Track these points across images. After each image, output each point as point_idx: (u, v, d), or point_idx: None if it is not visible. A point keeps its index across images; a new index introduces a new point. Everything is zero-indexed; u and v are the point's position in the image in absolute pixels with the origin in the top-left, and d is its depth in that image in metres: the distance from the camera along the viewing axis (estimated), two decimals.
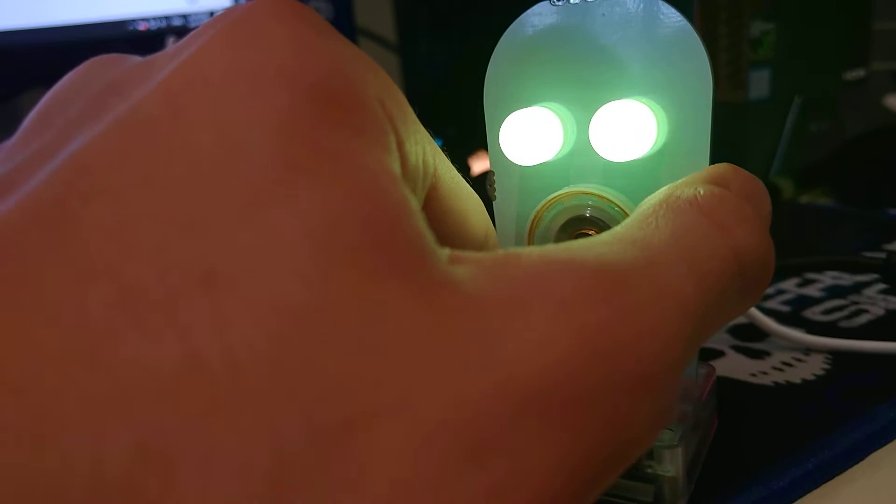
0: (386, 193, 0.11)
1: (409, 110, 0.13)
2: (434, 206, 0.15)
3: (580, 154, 0.18)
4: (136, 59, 0.13)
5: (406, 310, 0.10)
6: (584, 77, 0.18)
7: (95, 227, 0.09)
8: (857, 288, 0.33)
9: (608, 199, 0.18)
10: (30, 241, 0.09)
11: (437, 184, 0.15)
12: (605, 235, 0.13)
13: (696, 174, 0.15)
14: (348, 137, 0.11)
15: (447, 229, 0.16)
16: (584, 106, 0.18)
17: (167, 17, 0.54)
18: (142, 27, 0.54)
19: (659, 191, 0.15)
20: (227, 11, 0.12)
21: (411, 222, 0.11)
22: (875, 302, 0.32)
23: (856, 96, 0.55)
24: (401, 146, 0.13)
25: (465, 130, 0.55)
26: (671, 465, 0.18)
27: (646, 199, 0.14)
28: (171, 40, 0.49)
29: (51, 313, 0.09)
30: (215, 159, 0.10)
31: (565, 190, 0.18)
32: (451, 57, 0.62)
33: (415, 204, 0.11)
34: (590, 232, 0.18)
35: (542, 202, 0.19)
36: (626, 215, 0.17)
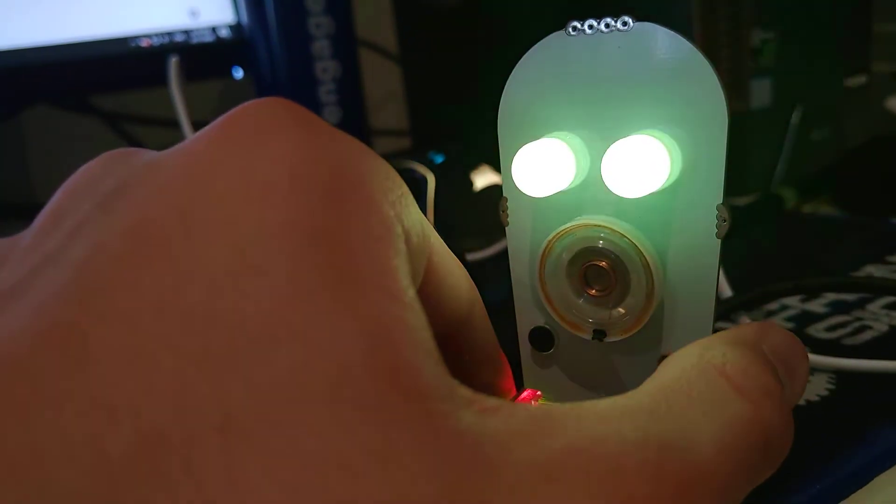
0: (396, 328, 0.10)
1: (407, 194, 0.14)
2: (430, 275, 0.15)
3: (593, 185, 0.18)
4: (147, 155, 0.13)
5: (423, 466, 0.09)
6: (598, 108, 0.18)
7: (112, 357, 0.09)
8: (861, 304, 0.33)
9: (620, 233, 0.18)
10: (45, 366, 0.09)
11: (432, 256, 0.15)
12: (641, 397, 0.13)
13: (730, 332, 0.15)
14: (363, 248, 0.11)
15: (442, 294, 0.16)
16: (598, 137, 0.18)
17: (169, 34, 0.55)
18: (144, 44, 0.54)
19: (688, 348, 0.14)
20: (230, 115, 0.12)
21: (423, 364, 0.10)
22: (879, 318, 0.31)
23: (857, 103, 0.54)
24: (408, 239, 0.13)
25: (466, 143, 0.54)
26: None
27: (674, 359, 0.14)
28: (172, 61, 0.49)
29: (69, 451, 0.09)
30: (232, 283, 0.10)
31: (577, 221, 0.18)
32: (452, 68, 0.62)
33: (427, 336, 0.11)
34: (601, 264, 0.18)
35: (554, 233, 0.18)
36: (637, 249, 0.17)
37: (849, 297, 0.33)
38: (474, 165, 0.49)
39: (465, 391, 0.11)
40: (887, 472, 0.21)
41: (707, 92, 0.17)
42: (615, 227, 0.17)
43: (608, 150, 0.17)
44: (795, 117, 0.49)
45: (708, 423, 0.12)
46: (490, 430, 0.10)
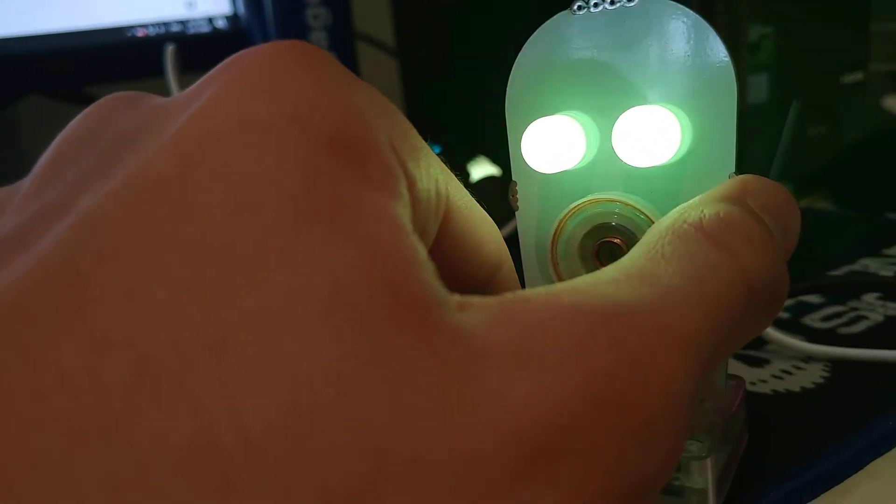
0: (394, 248, 0.11)
1: (421, 144, 0.13)
2: (448, 232, 0.15)
3: (602, 162, 0.18)
4: (150, 102, 0.13)
5: (416, 370, 0.10)
6: (606, 85, 0.18)
7: (109, 293, 0.09)
8: (857, 294, 0.33)
9: (633, 207, 0.18)
10: (44, 306, 0.09)
11: (450, 210, 0.15)
12: (615, 269, 0.13)
13: (709, 192, 0.15)
14: (359, 188, 0.11)
15: (461, 254, 0.16)
16: (606, 114, 0.18)
17: (166, 24, 0.54)
18: (140, 34, 0.54)
19: (669, 214, 0.14)
20: (238, 57, 0.12)
21: (420, 277, 0.11)
22: (874, 308, 0.32)
23: (854, 99, 0.55)
24: (412, 186, 0.13)
25: (463, 136, 0.55)
26: (700, 478, 0.18)
27: (656, 224, 0.14)
28: (169, 48, 0.49)
29: (68, 385, 0.09)
30: (225, 218, 0.10)
31: (589, 198, 0.18)
32: (449, 62, 0.62)
33: (423, 255, 0.11)
34: (615, 240, 0.18)
35: (565, 211, 0.18)
36: (652, 223, 0.17)
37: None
38: (471, 157, 0.49)
39: (455, 297, 0.11)
40: (882, 458, 0.22)
41: (716, 63, 0.17)
42: (629, 202, 0.18)
43: (619, 119, 0.17)
44: (792, 113, 0.50)
45: (679, 281, 0.12)
46: (476, 321, 0.11)
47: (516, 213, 0.20)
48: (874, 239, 0.41)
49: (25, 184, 0.13)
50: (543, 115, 0.18)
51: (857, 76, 0.55)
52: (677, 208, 0.14)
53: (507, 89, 0.19)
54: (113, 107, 0.13)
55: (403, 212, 0.12)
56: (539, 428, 0.10)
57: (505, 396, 0.10)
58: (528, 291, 0.12)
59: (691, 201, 0.14)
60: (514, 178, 0.19)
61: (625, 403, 0.11)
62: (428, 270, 0.11)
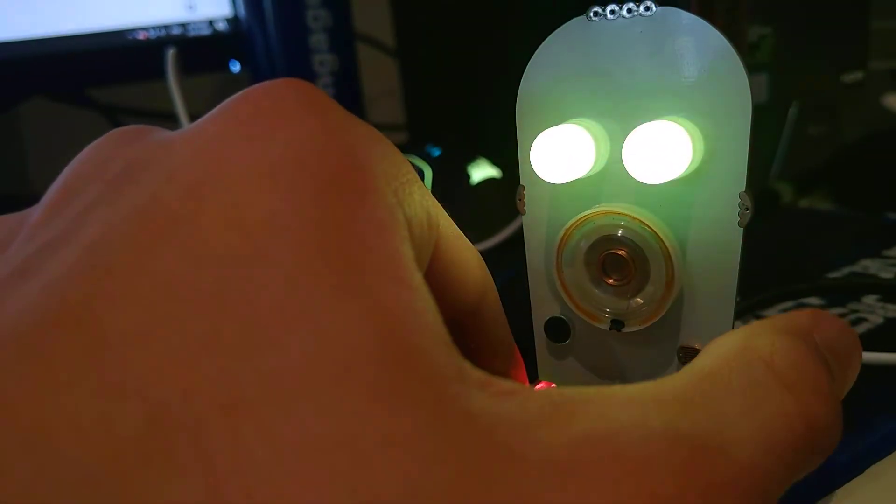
0: (408, 315, 0.10)
1: (413, 177, 0.14)
2: (438, 260, 0.15)
3: (612, 172, 0.18)
4: (156, 135, 0.13)
5: (433, 453, 0.09)
6: (619, 94, 0.18)
7: (122, 337, 0.09)
8: (857, 296, 0.33)
9: (640, 221, 0.18)
10: (58, 345, 0.09)
11: (440, 239, 0.15)
12: (676, 388, 0.12)
13: (780, 318, 0.14)
14: (368, 235, 0.11)
15: (450, 281, 0.16)
16: (618, 123, 0.18)
17: (166, 27, 0.55)
18: (141, 37, 0.54)
19: (731, 334, 0.14)
20: (243, 95, 0.13)
21: (436, 347, 0.10)
22: (874, 310, 0.32)
23: (854, 99, 0.55)
24: (410, 224, 0.13)
25: (463, 137, 0.55)
26: None
27: (717, 343, 0.13)
28: (170, 52, 0.49)
29: (79, 429, 0.09)
30: (241, 269, 0.10)
31: (596, 209, 0.18)
32: (450, 63, 0.62)
33: (437, 323, 0.11)
34: (620, 252, 0.18)
35: (572, 220, 0.19)
36: (658, 237, 0.17)
37: None
38: (472, 158, 0.49)
39: (477, 373, 0.11)
40: (883, 461, 0.22)
41: (732, 78, 0.17)
42: (636, 215, 0.18)
43: (630, 135, 0.17)
44: (792, 113, 0.50)
45: (748, 419, 0.12)
46: (504, 414, 0.10)
47: (523, 217, 0.20)
48: (874, 239, 0.41)
49: (34, 214, 0.13)
50: (554, 122, 0.18)
51: (857, 75, 0.55)
52: (741, 330, 0.14)
53: (519, 93, 0.19)
54: (119, 139, 0.13)
55: (408, 254, 0.12)
56: None
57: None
58: (575, 392, 0.11)
59: (758, 326, 0.14)
60: (522, 183, 0.19)
61: None
62: (440, 338, 0.11)
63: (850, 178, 0.49)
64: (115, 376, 0.09)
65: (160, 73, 0.52)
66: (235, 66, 0.58)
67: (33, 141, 0.61)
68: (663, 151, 0.16)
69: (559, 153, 0.18)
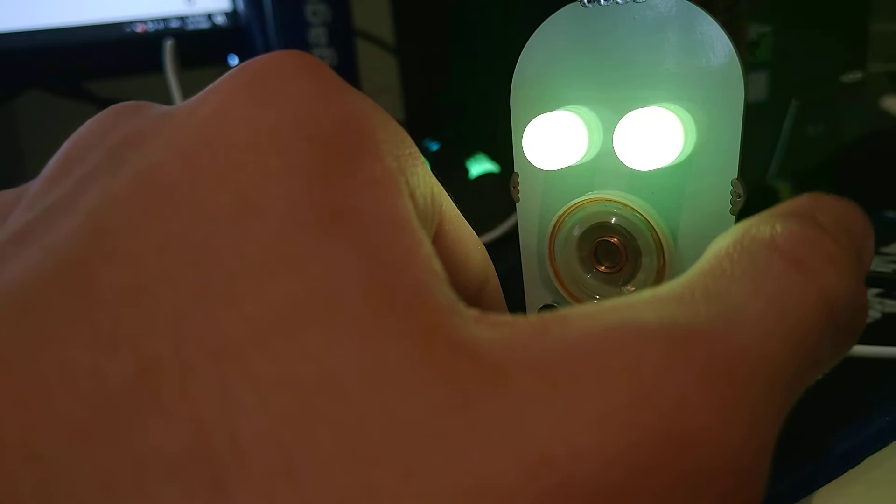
0: (398, 253, 0.10)
1: (417, 155, 0.13)
2: (440, 242, 0.15)
3: (605, 159, 0.18)
4: (156, 108, 0.13)
5: (415, 381, 0.09)
6: (612, 81, 0.18)
7: (116, 292, 0.10)
8: None
9: (632, 208, 0.18)
10: (53, 301, 0.09)
11: (443, 221, 0.15)
12: (672, 287, 0.11)
13: (776, 208, 0.13)
14: (365, 189, 0.11)
15: (452, 267, 0.16)
16: (611, 110, 0.18)
17: (165, 20, 0.54)
18: (139, 29, 0.54)
19: (729, 230, 0.13)
20: (243, 66, 0.13)
21: (430, 282, 0.10)
22: (872, 305, 0.32)
23: (854, 99, 0.55)
24: (412, 194, 0.12)
25: (462, 133, 0.55)
26: None
27: (716, 241, 0.12)
28: (168, 43, 0.49)
29: (72, 381, 0.09)
30: (231, 223, 0.10)
31: (588, 196, 0.18)
32: (449, 59, 0.62)
33: (431, 259, 0.11)
34: (612, 240, 0.18)
35: (565, 207, 0.18)
36: (650, 225, 0.17)
37: None
38: (470, 153, 0.49)
39: (473, 311, 0.10)
40: (879, 453, 0.22)
41: (725, 65, 0.17)
42: (628, 203, 0.17)
43: (620, 122, 0.17)
44: (791, 112, 0.50)
45: (753, 302, 0.10)
46: (496, 338, 0.10)
47: (517, 205, 0.20)
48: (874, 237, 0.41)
49: (34, 185, 0.13)
50: (548, 109, 0.18)
51: (857, 76, 0.55)
52: (739, 225, 0.13)
53: (513, 80, 0.19)
54: (120, 112, 0.14)
55: (409, 207, 0.11)
56: (573, 464, 0.08)
57: (531, 421, 0.09)
58: (566, 310, 0.10)
59: (756, 217, 0.13)
60: (516, 170, 0.19)
61: (702, 446, 0.09)
62: (435, 274, 0.10)
63: (849, 178, 0.49)
64: (108, 330, 0.09)
65: (158, 67, 0.51)
66: (234, 60, 0.58)
67: (30, 134, 0.61)
68: (654, 138, 0.16)
69: (551, 140, 0.17)
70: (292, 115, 0.12)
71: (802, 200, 0.13)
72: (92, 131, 0.13)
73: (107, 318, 0.09)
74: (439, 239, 0.15)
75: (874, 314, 0.31)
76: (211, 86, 0.13)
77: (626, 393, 0.09)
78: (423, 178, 0.13)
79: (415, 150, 0.13)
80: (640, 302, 0.10)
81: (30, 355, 0.09)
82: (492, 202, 0.45)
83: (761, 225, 0.12)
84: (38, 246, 0.10)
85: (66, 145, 0.13)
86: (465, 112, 0.57)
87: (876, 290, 0.33)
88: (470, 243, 0.16)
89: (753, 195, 0.48)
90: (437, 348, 0.09)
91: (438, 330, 0.10)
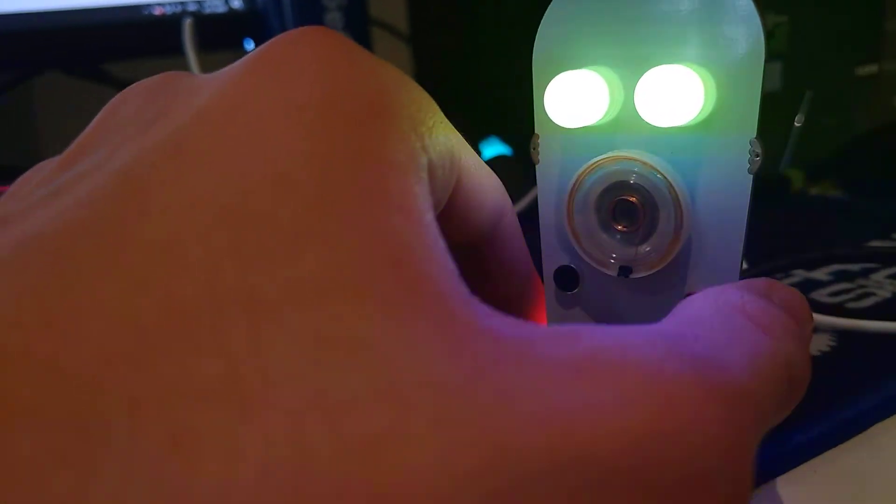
0: (420, 247, 0.11)
1: (438, 117, 0.14)
2: (458, 192, 0.16)
3: (626, 119, 0.18)
4: (186, 82, 0.14)
5: (444, 350, 0.10)
6: (634, 41, 0.18)
7: (150, 241, 0.10)
8: (865, 273, 0.33)
9: (652, 167, 0.18)
10: (87, 245, 0.10)
11: (462, 174, 0.16)
12: (667, 328, 0.13)
13: (739, 283, 0.15)
14: (388, 175, 0.12)
15: (469, 208, 0.17)
16: (632, 70, 0.18)
17: (182, 2, 0.55)
18: (157, 12, 0.54)
19: (700, 294, 0.15)
20: (275, 42, 0.13)
21: (446, 277, 0.11)
22: (882, 286, 0.32)
23: (867, 92, 0.55)
24: (432, 167, 0.13)
25: (475, 120, 0.55)
26: None
27: (688, 300, 0.15)
28: (187, 22, 0.49)
29: (105, 313, 0.09)
30: (264, 188, 0.11)
31: (609, 154, 0.18)
32: (462, 48, 0.62)
33: (447, 257, 0.11)
34: (631, 199, 0.18)
35: (585, 166, 0.19)
36: (670, 184, 0.18)
37: (853, 266, 0.34)
38: (482, 136, 0.50)
39: (486, 307, 0.11)
40: (885, 421, 0.22)
41: (745, 25, 0.17)
42: (648, 162, 0.18)
43: (642, 77, 0.17)
44: (805, 102, 0.50)
45: (737, 352, 0.12)
46: (513, 333, 0.11)
47: (536, 167, 0.20)
48: (884, 227, 0.41)
49: (72, 147, 0.13)
50: (570, 69, 0.18)
51: (871, 69, 0.55)
52: (708, 290, 0.15)
53: (536, 40, 0.19)
54: (153, 88, 0.14)
55: (423, 195, 0.12)
56: (596, 444, 0.09)
57: (556, 402, 0.09)
58: (574, 325, 0.11)
59: (719, 287, 0.15)
60: (536, 132, 0.20)
61: (712, 452, 0.10)
62: (449, 271, 0.11)
63: (861, 168, 0.49)
64: (141, 274, 0.10)
65: (175, 49, 0.52)
66: (250, 45, 0.58)
67: (47, 115, 0.62)
68: (675, 94, 0.16)
69: (573, 97, 0.18)
70: (321, 93, 0.12)
71: (761, 282, 0.15)
72: (125, 101, 0.14)
73: (140, 265, 0.10)
74: (457, 191, 0.16)
75: (884, 294, 0.31)
76: (239, 60, 0.13)
77: (650, 391, 0.10)
78: (444, 145, 0.14)
79: (436, 117, 0.14)
80: (647, 331, 0.12)
81: (61, 291, 0.09)
82: (505, 184, 0.46)
83: (729, 293, 0.14)
84: (74, 198, 0.11)
85: (100, 116, 0.14)
86: (478, 97, 0.57)
87: (888, 272, 0.33)
88: (486, 188, 0.17)
89: (766, 184, 0.48)
90: (460, 329, 0.10)
91: (458, 317, 0.10)
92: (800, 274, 0.34)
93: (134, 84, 0.15)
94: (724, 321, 0.13)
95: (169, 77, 0.14)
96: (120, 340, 0.09)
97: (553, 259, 0.20)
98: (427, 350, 0.10)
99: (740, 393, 0.11)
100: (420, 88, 0.14)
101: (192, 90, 0.13)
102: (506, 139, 0.47)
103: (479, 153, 0.48)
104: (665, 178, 0.18)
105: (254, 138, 0.11)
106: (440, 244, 0.12)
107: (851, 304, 0.30)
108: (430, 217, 0.12)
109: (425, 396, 0.09)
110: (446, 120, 0.15)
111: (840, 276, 0.33)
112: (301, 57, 0.13)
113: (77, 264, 0.10)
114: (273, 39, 0.13)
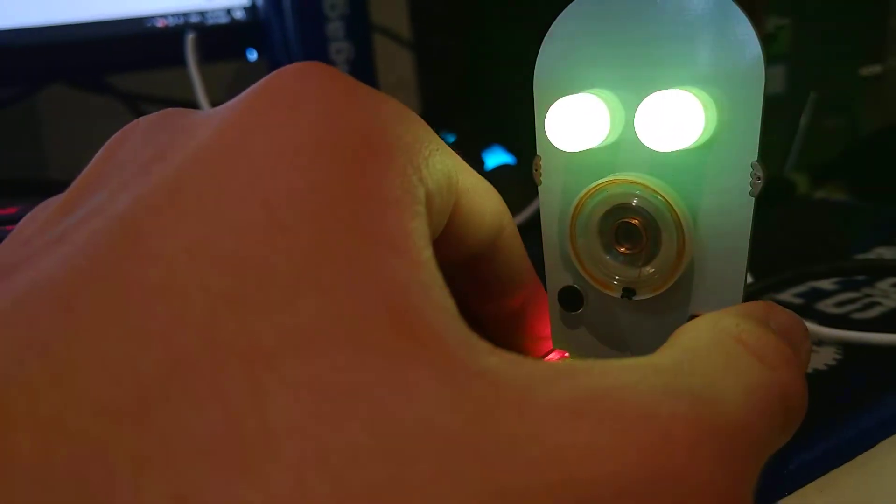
0: (416, 290, 0.11)
1: (436, 144, 0.14)
2: (457, 212, 0.16)
3: (627, 142, 0.18)
4: (182, 120, 0.14)
5: (442, 397, 0.10)
6: (634, 64, 0.18)
7: (148, 293, 0.10)
8: (871, 281, 0.33)
9: (654, 190, 0.18)
10: (88, 296, 0.10)
11: (460, 196, 0.16)
12: (664, 359, 0.13)
13: (737, 307, 0.15)
14: (384, 214, 0.12)
15: (468, 226, 0.17)
16: (633, 93, 0.18)
17: (185, 14, 0.55)
18: (160, 24, 0.54)
19: (696, 321, 0.15)
20: (270, 79, 0.13)
21: (444, 319, 0.11)
22: (888, 295, 0.32)
23: (872, 92, 0.54)
24: (429, 198, 0.13)
25: (478, 126, 0.55)
26: None
27: (684, 328, 0.15)
28: (189, 37, 0.50)
29: (108, 368, 0.09)
30: (260, 237, 0.11)
31: (610, 177, 0.18)
32: (465, 53, 0.62)
33: (446, 297, 0.11)
34: (633, 221, 0.18)
35: (586, 189, 0.19)
36: (670, 207, 0.18)
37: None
38: (486, 145, 0.50)
39: (485, 344, 0.11)
40: (893, 437, 0.22)
41: (746, 48, 0.17)
42: (650, 185, 0.18)
43: (642, 102, 0.17)
44: (809, 104, 0.49)
45: (732, 384, 0.12)
46: (512, 374, 0.11)
47: (539, 188, 0.20)
48: (889, 229, 0.41)
49: (70, 191, 0.14)
50: (571, 91, 0.18)
51: (876, 69, 0.55)
52: (706, 316, 0.15)
53: (537, 62, 0.19)
54: (152, 127, 0.14)
55: (420, 230, 0.12)
56: (593, 487, 0.09)
57: (554, 445, 0.10)
58: (572, 362, 0.12)
59: (718, 313, 0.15)
60: (538, 153, 0.20)
61: (707, 495, 0.10)
62: (448, 312, 0.11)
63: (866, 170, 0.49)
64: (141, 324, 0.10)
65: (178, 61, 0.52)
66: (252, 55, 0.58)
67: (52, 127, 0.62)
68: (676, 119, 0.17)
69: (574, 122, 0.18)
70: (316, 133, 0.12)
71: (759, 306, 0.15)
72: (125, 140, 0.14)
73: (140, 316, 0.10)
74: (456, 211, 0.16)
75: (890, 303, 0.31)
76: (236, 98, 0.13)
77: (645, 432, 0.10)
78: (441, 172, 0.14)
79: (433, 145, 0.14)
80: (642, 366, 0.12)
81: (65, 343, 0.09)
82: (508, 194, 0.46)
83: (726, 319, 0.14)
84: (75, 245, 0.11)
85: (100, 155, 0.14)
86: (481, 105, 0.57)
87: (893, 280, 0.33)
88: (485, 205, 0.17)
89: (771, 187, 0.48)
90: (459, 374, 0.10)
91: (457, 361, 0.10)
92: (805, 283, 0.34)
93: (134, 121, 0.15)
94: (720, 351, 0.13)
95: (168, 115, 0.14)
96: (123, 397, 0.09)
97: (557, 280, 0.20)
98: (426, 398, 0.10)
99: (735, 428, 0.11)
100: (417, 118, 0.14)
101: (191, 130, 0.13)
102: (509, 148, 0.47)
103: (481, 162, 0.48)
104: (667, 200, 0.18)
105: (250, 182, 0.11)
106: (438, 282, 0.12)
107: (857, 315, 0.30)
108: (427, 254, 0.12)
109: (425, 447, 0.09)
110: (443, 145, 0.15)
111: (845, 286, 0.33)
112: (298, 95, 0.13)
113: (79, 317, 0.10)
114: (271, 75, 0.13)
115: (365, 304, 0.10)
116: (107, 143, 0.14)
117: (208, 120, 0.13)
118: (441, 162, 0.14)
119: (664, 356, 0.13)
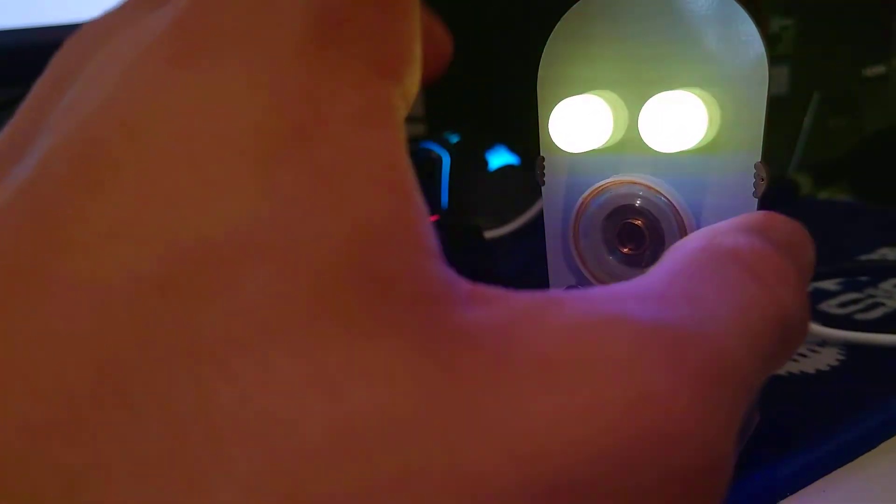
0: (396, 228, 0.10)
1: (406, 36, 0.11)
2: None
3: (630, 143, 0.18)
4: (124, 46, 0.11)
5: (415, 374, 0.09)
6: (638, 66, 0.18)
7: (66, 290, 0.09)
8: (874, 282, 0.33)
9: (657, 191, 0.18)
10: (5, 296, 0.09)
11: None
12: (653, 284, 0.12)
13: (735, 220, 0.14)
14: (352, 135, 0.10)
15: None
16: (636, 95, 0.18)
17: None
18: None
19: (694, 235, 0.14)
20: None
21: (424, 265, 0.10)
22: (891, 296, 0.32)
23: (876, 93, 0.54)
24: (406, 96, 0.11)
25: (480, 125, 0.55)
26: None
27: (681, 244, 0.13)
28: None
29: (30, 383, 0.08)
30: (192, 203, 0.09)
31: (613, 178, 0.18)
32: (470, 56, 0.62)
33: (428, 234, 0.10)
34: (637, 222, 0.18)
35: (589, 190, 0.19)
36: (675, 207, 0.18)
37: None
38: (490, 145, 0.50)
39: (465, 285, 0.10)
40: (894, 438, 0.22)
41: (750, 50, 0.17)
42: (653, 185, 0.18)
43: (646, 104, 0.17)
44: (813, 105, 0.49)
45: (726, 311, 0.11)
46: (491, 321, 0.10)
47: (542, 188, 0.20)
48: (893, 230, 0.41)
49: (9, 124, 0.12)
50: (574, 92, 0.18)
51: (880, 69, 0.55)
52: (704, 230, 0.14)
53: (541, 63, 0.19)
54: (79, 40, 0.12)
55: (403, 148, 0.10)
56: (570, 455, 0.09)
57: (526, 412, 0.09)
58: (559, 293, 0.11)
59: (718, 225, 0.14)
60: (542, 154, 0.20)
61: (685, 444, 0.09)
62: (429, 253, 0.10)
63: (870, 171, 0.49)
64: (61, 329, 0.08)
65: None
66: None
67: None
68: (679, 120, 0.17)
69: (577, 123, 0.18)
70: (245, 72, 0.10)
71: (758, 217, 0.14)
72: (64, 64, 0.12)
73: (59, 318, 0.09)
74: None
75: (893, 304, 0.31)
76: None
77: (620, 389, 0.09)
78: (416, 61, 0.12)
79: (404, 35, 0.11)
80: (628, 296, 0.11)
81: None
82: (512, 194, 0.46)
83: (725, 235, 0.13)
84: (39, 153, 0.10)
85: (33, 92, 0.12)
86: (485, 105, 0.58)
87: (894, 280, 0.33)
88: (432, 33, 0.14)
89: (774, 188, 0.48)
90: (436, 338, 0.09)
91: (436, 318, 0.09)
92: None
93: (71, 36, 0.13)
94: (714, 270, 0.12)
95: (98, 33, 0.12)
96: (49, 412, 0.08)
97: (560, 280, 0.21)
98: (389, 379, 0.09)
99: (724, 366, 0.10)
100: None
101: (102, 68, 0.11)
102: (512, 149, 0.47)
103: (485, 162, 0.48)
104: (670, 201, 0.18)
105: (172, 139, 0.09)
106: (422, 216, 0.10)
107: (860, 316, 0.30)
108: (412, 180, 0.10)
109: (388, 442, 0.08)
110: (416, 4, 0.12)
111: (848, 286, 0.33)
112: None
113: (59, 214, 0.09)
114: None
115: (325, 262, 0.09)
116: (60, 50, 0.13)
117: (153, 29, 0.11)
118: (412, 78, 0.12)
119: (653, 279, 0.12)
